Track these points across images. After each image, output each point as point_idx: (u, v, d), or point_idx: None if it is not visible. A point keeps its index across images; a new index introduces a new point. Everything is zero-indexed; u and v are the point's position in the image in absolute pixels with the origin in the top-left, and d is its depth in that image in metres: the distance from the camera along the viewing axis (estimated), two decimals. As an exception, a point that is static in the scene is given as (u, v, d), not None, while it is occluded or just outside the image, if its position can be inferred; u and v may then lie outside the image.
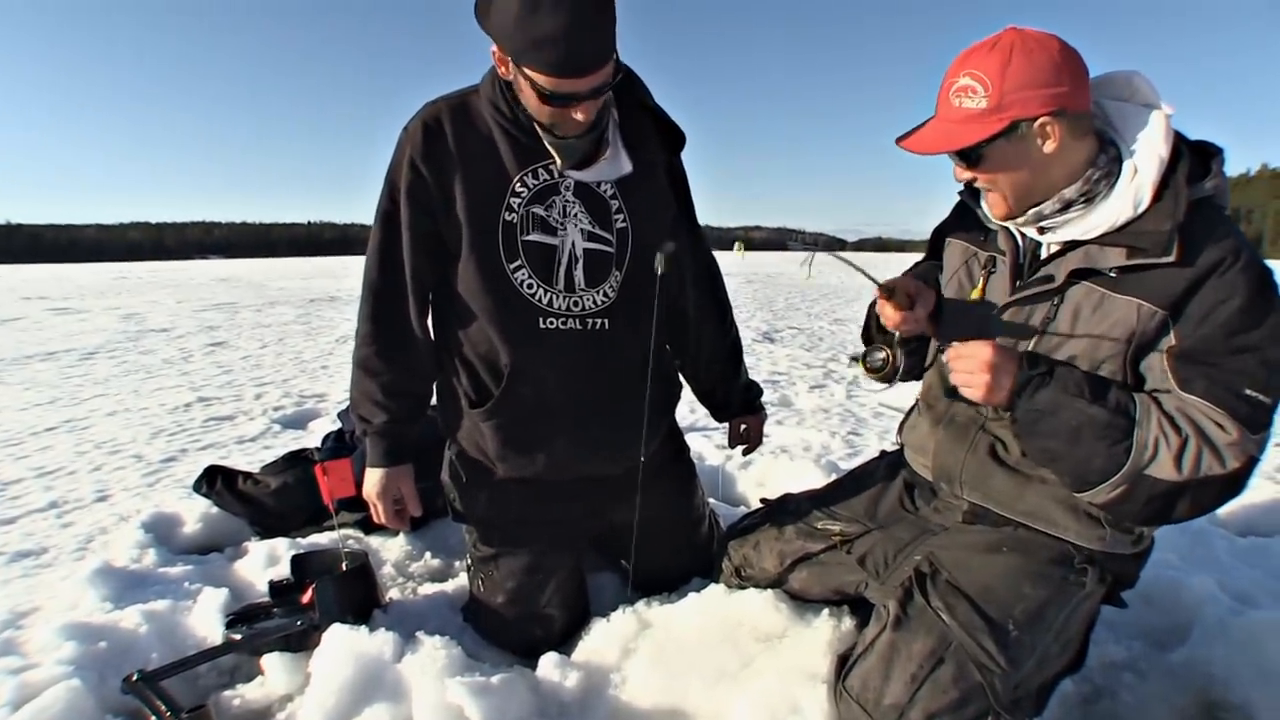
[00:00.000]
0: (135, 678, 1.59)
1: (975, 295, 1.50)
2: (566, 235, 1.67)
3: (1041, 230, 1.40)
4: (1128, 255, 1.27)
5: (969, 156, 1.35)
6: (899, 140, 1.40)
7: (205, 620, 1.92)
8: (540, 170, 1.65)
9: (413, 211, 1.66)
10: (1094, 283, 1.31)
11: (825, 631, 1.57)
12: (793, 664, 1.51)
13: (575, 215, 1.67)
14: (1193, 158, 1.29)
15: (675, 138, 1.82)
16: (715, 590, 1.75)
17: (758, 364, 6.52)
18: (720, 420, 2.17)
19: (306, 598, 1.88)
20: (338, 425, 3.05)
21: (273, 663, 1.76)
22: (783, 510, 1.83)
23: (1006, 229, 1.47)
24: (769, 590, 1.70)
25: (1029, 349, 1.37)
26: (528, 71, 1.45)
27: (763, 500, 1.95)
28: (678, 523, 2.06)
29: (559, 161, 1.64)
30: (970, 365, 1.33)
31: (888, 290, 1.49)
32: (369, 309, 1.75)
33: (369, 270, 1.74)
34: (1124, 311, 1.27)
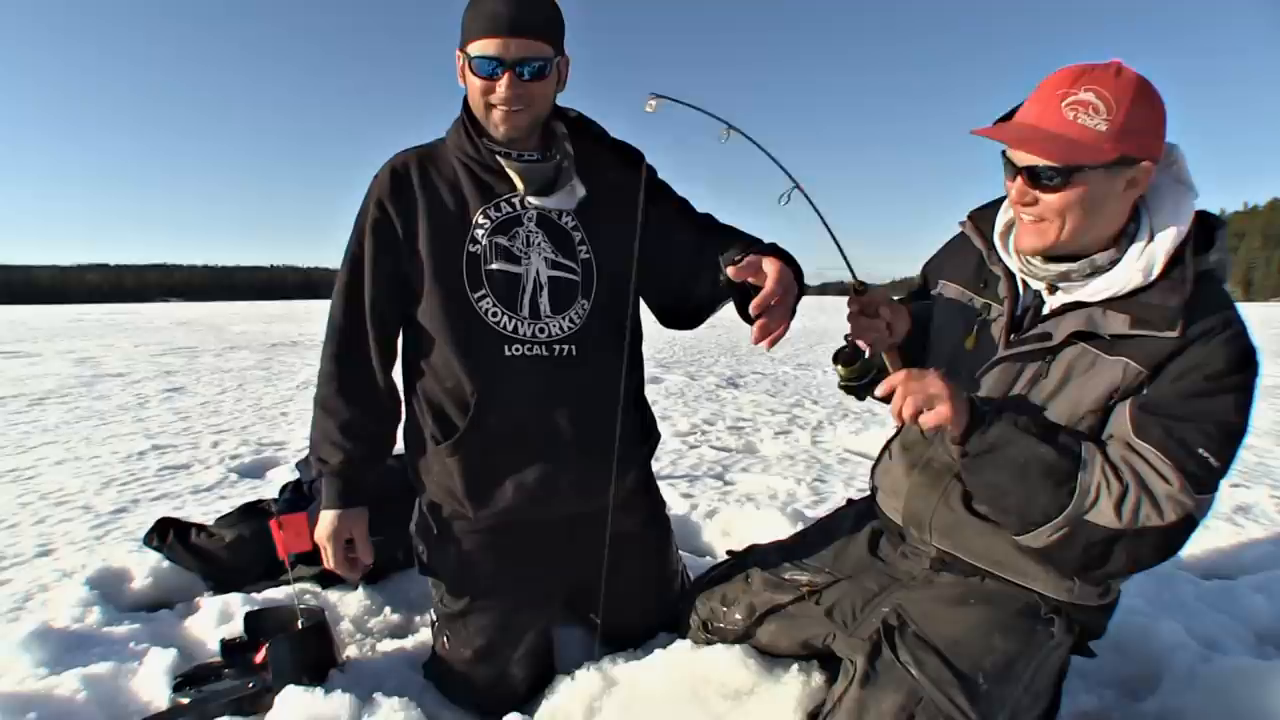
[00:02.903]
0: (70, 749, 1.51)
1: (969, 343, 1.49)
2: (530, 263, 1.70)
3: (1052, 289, 1.39)
4: (1131, 324, 1.28)
5: (1051, 176, 1.26)
6: (986, 130, 1.32)
7: (151, 683, 1.83)
8: (503, 203, 1.70)
9: (376, 249, 1.71)
10: (1089, 344, 1.32)
11: (794, 688, 1.55)
12: (762, 721, 1.48)
13: (538, 244, 1.71)
14: (1198, 229, 1.32)
15: (633, 156, 1.82)
16: (682, 646, 1.71)
17: (722, 410, 6.52)
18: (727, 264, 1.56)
19: (260, 657, 1.82)
20: (296, 475, 2.98)
21: (223, 728, 1.68)
22: (750, 562, 1.81)
23: (1010, 277, 1.46)
24: (737, 646, 1.67)
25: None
26: (469, 51, 1.57)
27: (729, 552, 1.93)
28: (651, 583, 2.02)
29: (521, 187, 1.69)
30: (923, 391, 1.32)
31: (860, 287, 1.44)
32: (331, 348, 1.77)
33: (333, 310, 1.77)
34: (1112, 371, 1.30)
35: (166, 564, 2.54)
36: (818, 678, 1.58)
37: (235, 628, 2.05)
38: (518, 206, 1.71)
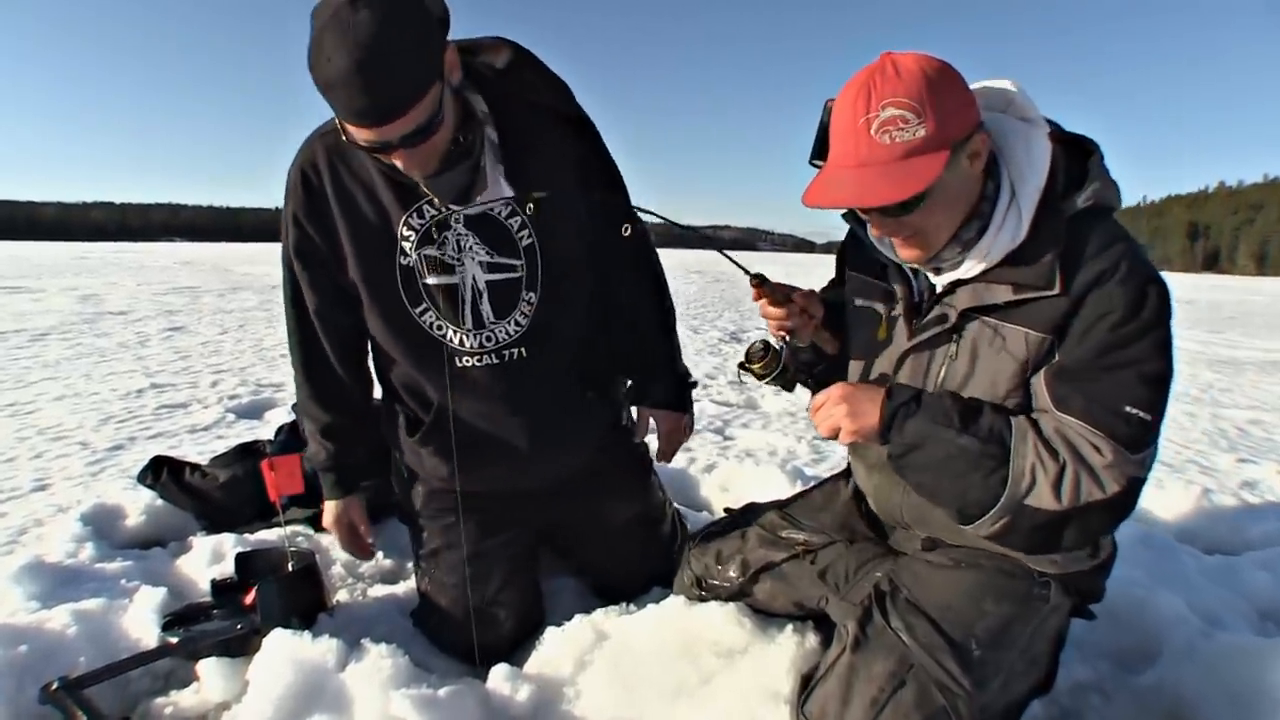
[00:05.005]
0: (55, 686, 1.50)
1: (881, 333, 1.44)
2: (465, 270, 1.61)
3: (937, 271, 1.33)
4: (1014, 291, 1.22)
5: (908, 202, 1.18)
6: (818, 198, 1.21)
7: (140, 621, 1.82)
8: (425, 208, 1.57)
9: (305, 266, 1.67)
10: (988, 316, 1.26)
11: (788, 648, 1.52)
12: (754, 682, 1.46)
13: (470, 248, 1.61)
14: (1069, 162, 1.24)
15: (569, 115, 1.67)
16: (675, 602, 1.69)
17: (724, 364, 6.48)
18: (634, 402, 2.00)
19: (249, 599, 1.80)
20: (293, 417, 2.96)
21: (209, 668, 1.67)
22: (746, 520, 1.78)
23: (898, 265, 1.39)
24: (731, 603, 1.64)
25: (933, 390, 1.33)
26: (344, 126, 1.35)
27: (726, 509, 1.90)
28: (635, 523, 2.01)
29: (437, 202, 1.56)
30: (827, 408, 1.32)
31: (758, 279, 1.42)
32: (296, 357, 1.79)
33: (287, 321, 1.77)
34: (1015, 341, 1.23)
35: (160, 502, 2.54)
36: (812, 639, 1.55)
37: (226, 568, 2.04)
38: (441, 209, 1.57)
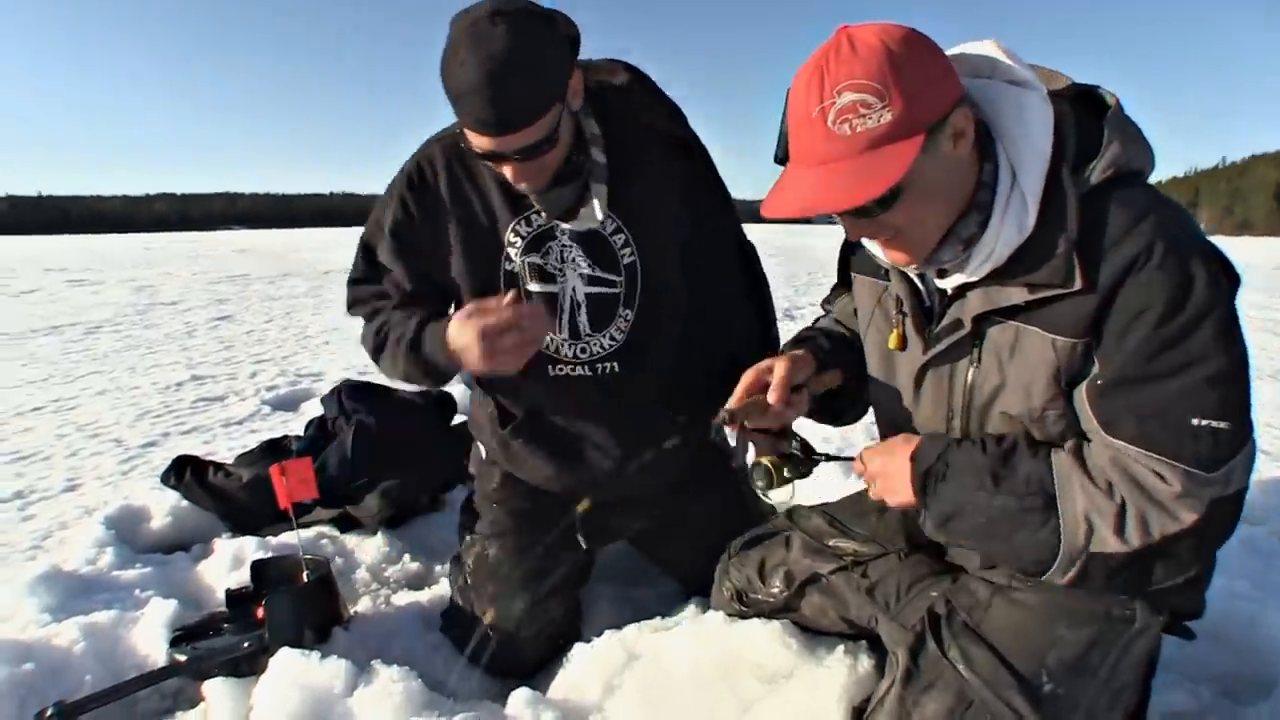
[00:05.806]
0: (50, 712, 1.42)
1: (893, 343, 1.27)
2: (566, 281, 1.64)
3: (941, 274, 1.16)
4: (1030, 292, 1.05)
5: (882, 200, 1.02)
6: (777, 208, 1.07)
7: (150, 636, 1.74)
8: (533, 216, 1.60)
9: (399, 244, 1.64)
10: (1006, 318, 1.10)
11: (839, 673, 1.35)
12: (801, 710, 1.31)
13: (573, 260, 1.63)
14: (1081, 125, 1.05)
15: (682, 146, 1.68)
16: (714, 618, 1.54)
17: (775, 343, 6.26)
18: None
19: (261, 612, 1.70)
20: (323, 411, 2.88)
21: (216, 689, 1.58)
22: (791, 525, 1.61)
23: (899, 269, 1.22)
24: (776, 621, 1.48)
25: (960, 405, 1.19)
26: (465, 129, 1.42)
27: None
28: (732, 520, 1.85)
29: (544, 214, 1.59)
30: (868, 479, 1.25)
31: (729, 416, 1.31)
32: (364, 314, 1.75)
33: (350, 295, 1.77)
34: (1039, 347, 1.06)
35: (186, 503, 2.48)
36: (866, 662, 1.38)
37: (244, 575, 1.96)
38: (547, 219, 1.60)
